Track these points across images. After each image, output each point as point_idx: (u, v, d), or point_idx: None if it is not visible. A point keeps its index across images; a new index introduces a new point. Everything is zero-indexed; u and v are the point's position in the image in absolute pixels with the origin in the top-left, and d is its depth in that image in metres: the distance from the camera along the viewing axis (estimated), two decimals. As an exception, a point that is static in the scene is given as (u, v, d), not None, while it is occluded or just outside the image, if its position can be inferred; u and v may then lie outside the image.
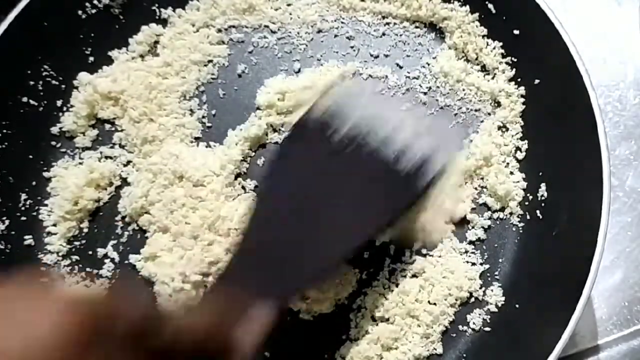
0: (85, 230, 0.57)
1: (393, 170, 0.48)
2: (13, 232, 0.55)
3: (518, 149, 0.58)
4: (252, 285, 0.42)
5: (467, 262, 0.55)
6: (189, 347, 0.36)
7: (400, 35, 0.62)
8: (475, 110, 0.60)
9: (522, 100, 0.59)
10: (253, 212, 0.48)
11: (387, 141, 0.48)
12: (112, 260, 0.56)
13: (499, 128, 0.59)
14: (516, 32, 0.58)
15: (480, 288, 0.55)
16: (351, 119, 0.49)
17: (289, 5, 0.63)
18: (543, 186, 0.56)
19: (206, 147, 0.59)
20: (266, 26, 0.63)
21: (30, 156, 0.58)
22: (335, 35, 0.63)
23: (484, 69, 0.60)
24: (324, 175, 0.49)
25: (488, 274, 0.55)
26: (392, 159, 0.48)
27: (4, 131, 0.56)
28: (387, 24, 0.63)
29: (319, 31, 0.63)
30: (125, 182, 0.58)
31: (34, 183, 0.57)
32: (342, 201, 0.48)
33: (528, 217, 0.56)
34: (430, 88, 0.61)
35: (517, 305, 0.54)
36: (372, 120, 0.49)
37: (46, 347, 0.29)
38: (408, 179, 0.48)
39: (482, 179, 0.58)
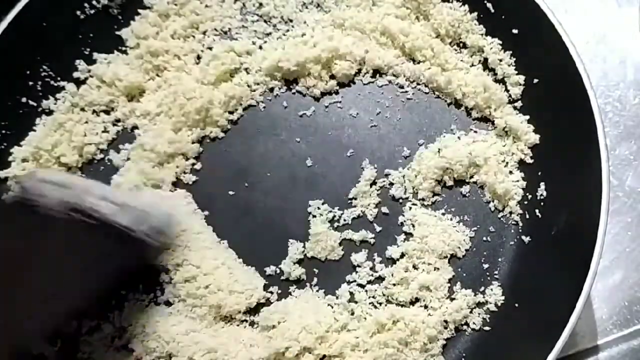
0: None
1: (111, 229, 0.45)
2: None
3: (517, 148, 0.58)
4: None
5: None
6: None
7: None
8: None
9: (521, 98, 0.58)
10: None
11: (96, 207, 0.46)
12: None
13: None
14: (515, 31, 0.58)
15: (480, 287, 0.55)
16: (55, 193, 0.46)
17: None
18: (542, 185, 0.56)
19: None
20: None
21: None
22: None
23: (483, 68, 0.60)
24: (24, 250, 0.46)
25: (487, 273, 0.56)
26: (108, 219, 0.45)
27: (4, 131, 0.56)
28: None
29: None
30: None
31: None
32: (40, 274, 0.45)
33: (527, 216, 0.56)
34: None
35: (516, 304, 0.54)
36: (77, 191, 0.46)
37: None
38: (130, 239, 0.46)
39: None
